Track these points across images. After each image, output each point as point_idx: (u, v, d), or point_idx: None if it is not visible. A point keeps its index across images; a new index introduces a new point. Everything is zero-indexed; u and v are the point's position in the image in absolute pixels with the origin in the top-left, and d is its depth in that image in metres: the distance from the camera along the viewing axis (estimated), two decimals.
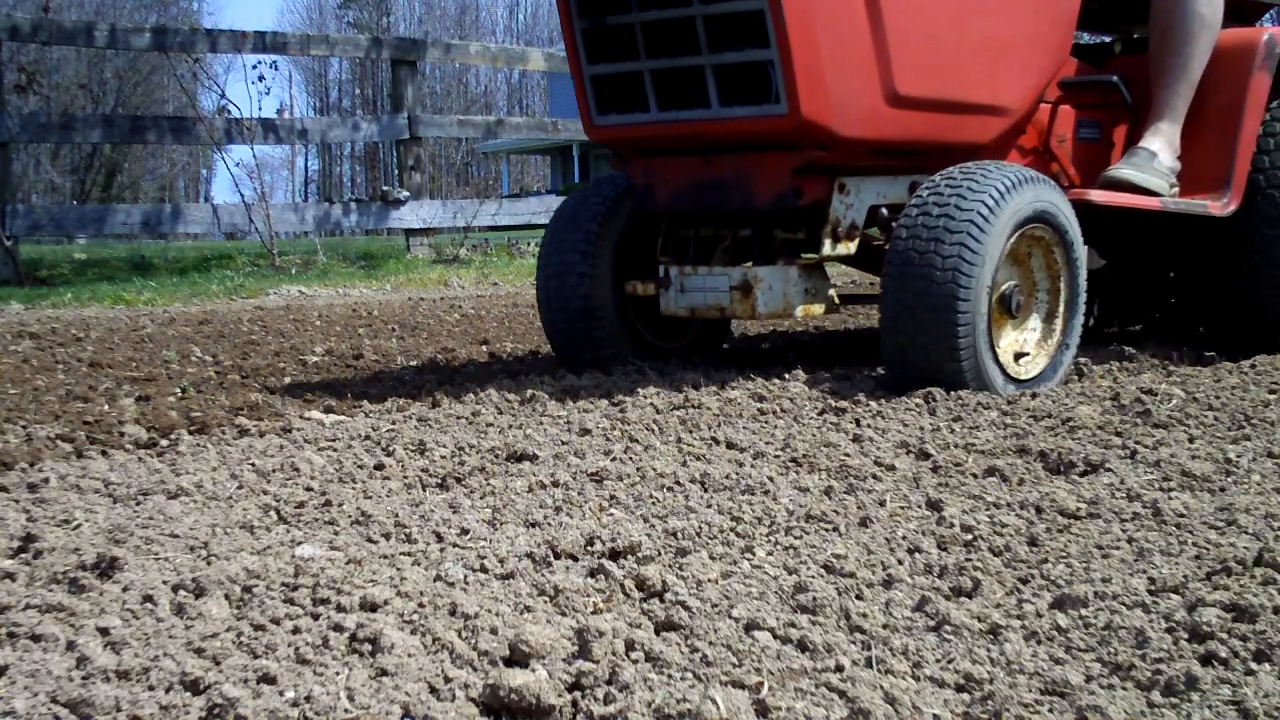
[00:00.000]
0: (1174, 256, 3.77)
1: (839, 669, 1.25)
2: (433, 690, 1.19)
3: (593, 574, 1.53)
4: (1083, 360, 3.18)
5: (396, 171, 10.12)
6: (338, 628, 1.31)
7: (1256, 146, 3.44)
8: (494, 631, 1.31)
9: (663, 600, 1.44)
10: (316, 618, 1.36)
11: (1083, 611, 1.39)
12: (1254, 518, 1.73)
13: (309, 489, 2.03)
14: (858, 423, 2.46)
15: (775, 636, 1.32)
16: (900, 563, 1.59)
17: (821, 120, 2.82)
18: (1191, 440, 2.26)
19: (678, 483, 2.00)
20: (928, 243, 2.71)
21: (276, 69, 10.34)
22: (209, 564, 1.57)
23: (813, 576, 1.52)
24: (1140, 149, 3.37)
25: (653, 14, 2.92)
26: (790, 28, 2.74)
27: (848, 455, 2.18)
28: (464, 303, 6.26)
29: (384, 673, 1.21)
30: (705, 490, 1.98)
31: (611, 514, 1.83)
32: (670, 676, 1.23)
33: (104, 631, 1.31)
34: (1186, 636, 1.30)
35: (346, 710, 1.14)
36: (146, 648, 1.28)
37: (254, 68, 10.55)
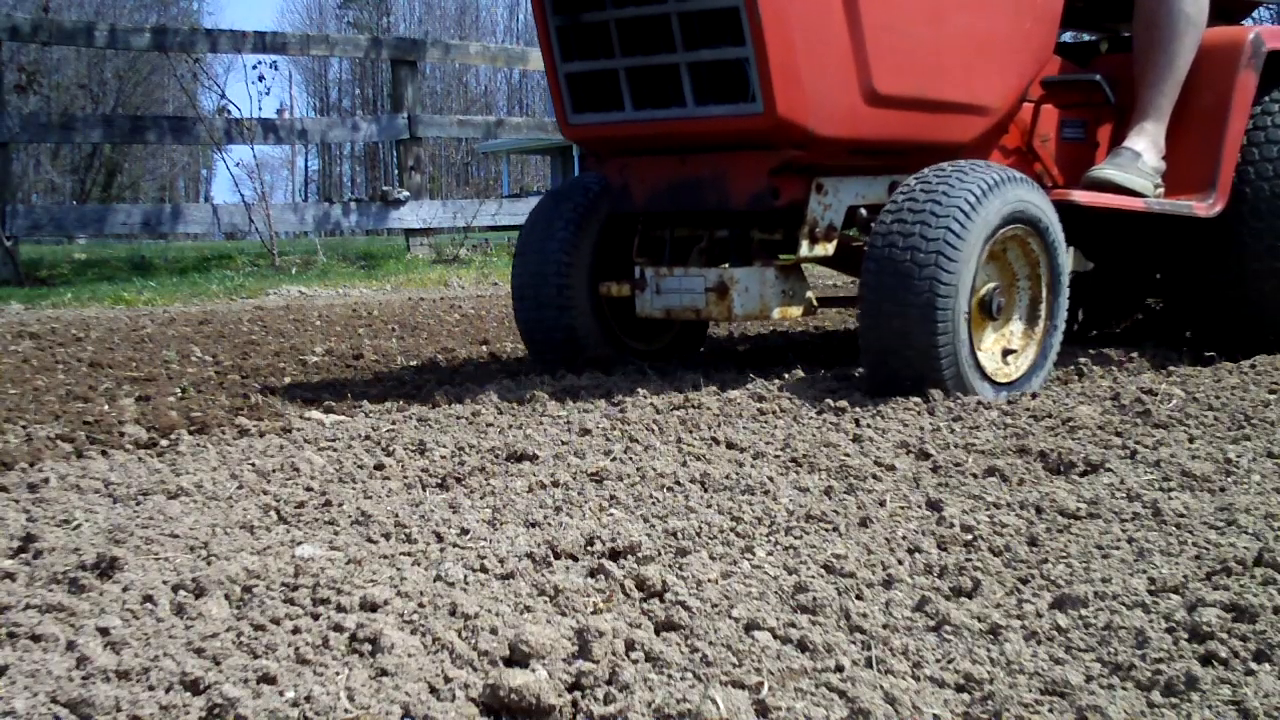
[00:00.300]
0: (1160, 258, 3.71)
1: (839, 669, 1.25)
2: (433, 690, 1.19)
3: (593, 574, 1.53)
4: (1083, 360, 3.18)
5: (396, 171, 10.13)
6: (338, 628, 1.31)
7: (1242, 146, 3.40)
8: (494, 631, 1.31)
9: (663, 600, 1.44)
10: (316, 618, 1.36)
11: (1083, 611, 1.39)
12: (1254, 518, 1.73)
13: (309, 489, 2.03)
14: (858, 423, 2.46)
15: (775, 636, 1.32)
16: (900, 563, 1.59)
17: (798, 119, 2.78)
18: (1191, 440, 2.26)
19: (678, 483, 2.00)
20: (906, 244, 2.66)
21: (276, 69, 10.36)
22: (209, 564, 1.57)
23: (813, 576, 1.52)
24: (1124, 149, 3.33)
25: (628, 11, 2.87)
26: (766, 25, 2.70)
27: (848, 455, 2.18)
28: (464, 303, 6.26)
29: (384, 673, 1.21)
30: (705, 490, 1.98)
31: (611, 514, 1.83)
32: (670, 676, 1.23)
33: (104, 631, 1.31)
34: (1186, 636, 1.30)
35: (346, 710, 1.14)
36: (146, 648, 1.28)
37: (254, 68, 10.58)
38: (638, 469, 2.09)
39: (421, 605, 1.39)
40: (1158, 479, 1.98)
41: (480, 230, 10.38)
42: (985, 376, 2.75)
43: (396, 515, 1.82)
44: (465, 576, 1.51)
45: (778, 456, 2.20)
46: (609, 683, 1.21)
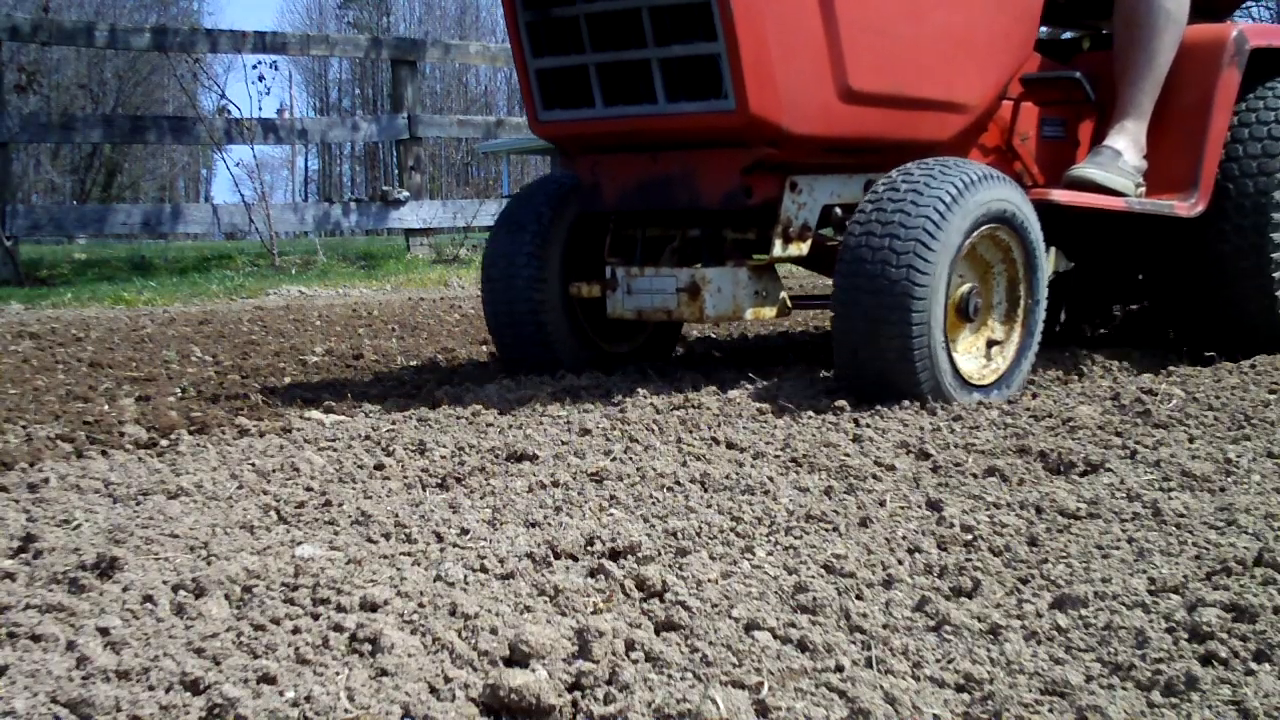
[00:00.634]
0: (1142, 257, 3.66)
1: (839, 669, 1.25)
2: (433, 690, 1.19)
3: (593, 574, 1.53)
4: (1082, 360, 3.18)
5: (396, 171, 10.13)
6: (338, 628, 1.31)
7: (1225, 145, 3.34)
8: (494, 631, 1.31)
9: (663, 600, 1.44)
10: (316, 618, 1.36)
11: (1083, 611, 1.39)
12: (1254, 518, 1.73)
13: (309, 489, 2.03)
14: (857, 423, 2.46)
15: (775, 636, 1.32)
16: (900, 563, 1.59)
17: (771, 116, 2.73)
18: (1191, 440, 2.26)
19: (678, 483, 2.00)
20: (880, 243, 2.60)
21: (276, 69, 10.36)
22: (209, 564, 1.57)
23: (813, 576, 1.52)
24: (1105, 147, 3.27)
25: (598, 5, 2.82)
26: (738, 20, 2.65)
27: (848, 455, 2.18)
28: (464, 303, 6.26)
29: (384, 673, 1.21)
30: (705, 490, 1.98)
31: (611, 514, 1.83)
32: (670, 676, 1.23)
33: (104, 631, 1.31)
34: (1186, 636, 1.30)
35: (346, 710, 1.14)
36: (146, 648, 1.28)
37: (254, 68, 10.54)
38: (638, 469, 2.09)
39: (421, 605, 1.39)
40: (1158, 479, 1.98)
41: (480, 230, 10.36)
42: (961, 378, 2.70)
43: (396, 515, 1.82)
44: (465, 576, 1.51)
45: (778, 456, 2.20)
46: (609, 683, 1.21)
